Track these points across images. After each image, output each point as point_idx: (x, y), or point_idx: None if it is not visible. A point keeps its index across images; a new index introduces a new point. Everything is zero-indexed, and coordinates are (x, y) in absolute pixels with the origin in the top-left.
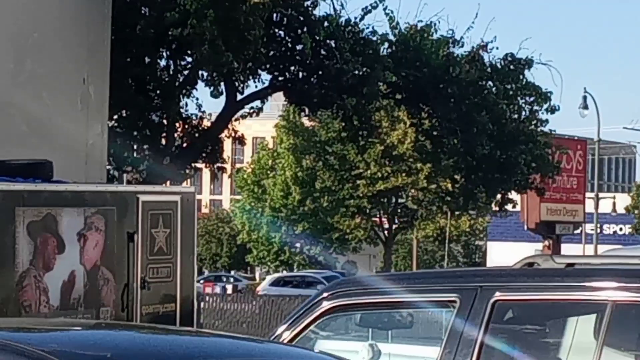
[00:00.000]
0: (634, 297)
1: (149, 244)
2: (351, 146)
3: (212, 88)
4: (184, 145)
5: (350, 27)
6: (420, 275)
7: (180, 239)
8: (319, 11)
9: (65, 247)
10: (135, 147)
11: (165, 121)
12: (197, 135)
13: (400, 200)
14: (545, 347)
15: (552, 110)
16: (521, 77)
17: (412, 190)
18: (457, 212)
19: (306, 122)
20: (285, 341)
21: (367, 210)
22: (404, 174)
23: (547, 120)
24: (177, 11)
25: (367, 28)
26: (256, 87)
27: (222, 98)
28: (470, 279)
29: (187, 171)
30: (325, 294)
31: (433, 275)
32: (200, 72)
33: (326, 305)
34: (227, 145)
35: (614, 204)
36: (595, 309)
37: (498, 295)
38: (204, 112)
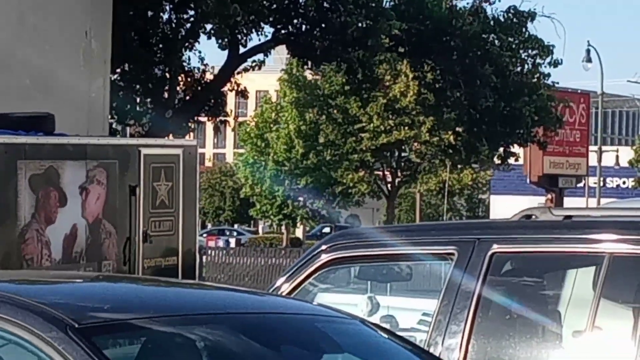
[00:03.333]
0: (632, 249)
1: (151, 198)
2: (354, 99)
3: (218, 40)
4: (187, 98)
5: None
6: (418, 227)
7: (182, 192)
8: None
9: (67, 201)
10: (137, 100)
11: (167, 75)
12: (199, 88)
13: (403, 154)
14: (544, 299)
15: (555, 63)
16: (524, 29)
17: (415, 144)
18: (459, 166)
19: (309, 75)
20: (284, 294)
21: (370, 164)
22: (406, 127)
23: (549, 74)
24: None
25: None
26: (259, 40)
27: (225, 52)
28: (467, 232)
29: (190, 125)
30: (323, 247)
31: (431, 227)
32: (203, 25)
33: (325, 257)
34: (231, 98)
35: (617, 157)
36: (593, 261)
37: (496, 248)
38: (206, 65)
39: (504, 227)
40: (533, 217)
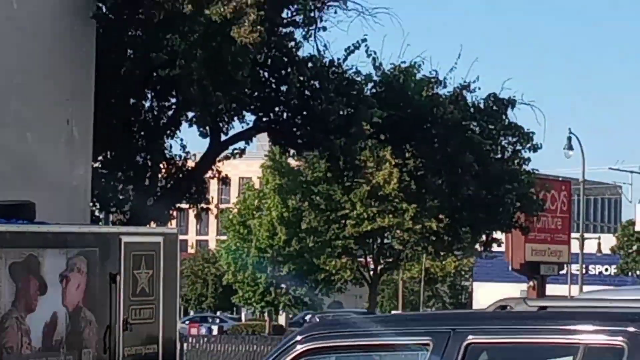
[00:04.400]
0: (607, 340)
1: (132, 285)
2: (337, 186)
3: (200, 128)
4: (169, 185)
5: (334, 68)
6: (394, 317)
7: (163, 280)
8: (303, 52)
9: (47, 289)
10: (119, 187)
11: (149, 162)
12: (181, 176)
13: (385, 241)
14: None
15: (535, 148)
16: (504, 117)
17: (398, 231)
18: (442, 253)
19: (292, 162)
20: None
21: (353, 251)
22: (390, 215)
23: (529, 159)
24: (164, 52)
25: (351, 69)
26: (241, 127)
27: (206, 139)
28: (443, 322)
29: (172, 212)
30: (299, 337)
31: (406, 318)
32: (185, 113)
33: (300, 348)
34: (214, 185)
35: (599, 244)
36: (568, 351)
37: (471, 339)
38: (188, 152)
39: (479, 317)
40: (508, 307)
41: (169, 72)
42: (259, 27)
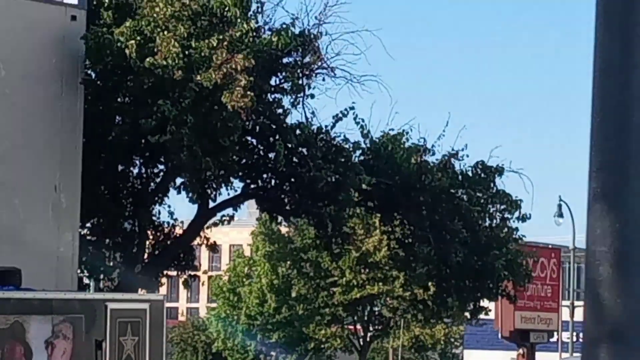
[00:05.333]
0: None
1: (117, 352)
2: (326, 253)
3: (189, 194)
4: (156, 252)
5: (322, 135)
6: None
7: (149, 346)
8: (291, 119)
9: (33, 355)
10: (107, 254)
11: (137, 229)
12: (169, 242)
13: (375, 308)
14: None
15: (523, 218)
16: (492, 184)
17: (387, 298)
18: (431, 320)
19: (283, 229)
20: None
21: (342, 318)
22: (380, 282)
23: (517, 228)
24: (154, 118)
25: (339, 136)
26: (228, 194)
27: (194, 206)
28: None
29: (160, 279)
30: None
31: None
32: (173, 180)
33: None
34: (204, 252)
35: None
36: None
37: None
38: (176, 219)
39: None
40: None
41: (159, 138)
42: (249, 92)
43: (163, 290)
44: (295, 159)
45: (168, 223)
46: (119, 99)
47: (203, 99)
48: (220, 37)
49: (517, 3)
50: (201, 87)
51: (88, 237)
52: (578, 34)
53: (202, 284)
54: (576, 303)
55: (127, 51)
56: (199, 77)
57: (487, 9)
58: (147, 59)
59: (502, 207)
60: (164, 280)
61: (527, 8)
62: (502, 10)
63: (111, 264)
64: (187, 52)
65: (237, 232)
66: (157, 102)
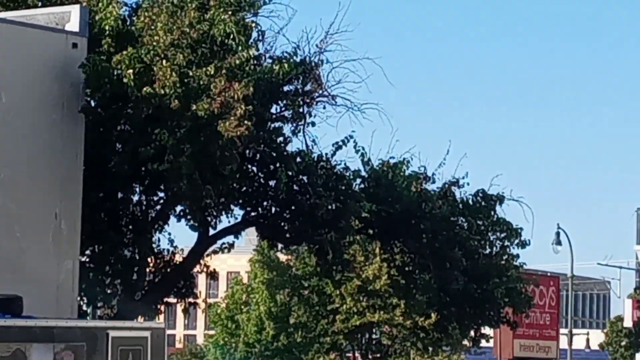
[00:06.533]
0: None
1: None
2: (329, 280)
3: (190, 221)
4: (156, 280)
5: (322, 163)
6: None
7: None
8: (292, 147)
9: None
10: (106, 282)
11: (137, 256)
12: (169, 270)
13: (374, 336)
14: None
15: (523, 245)
16: (492, 212)
17: (386, 326)
18: (430, 349)
19: (281, 256)
20: None
21: (342, 346)
22: (381, 310)
23: (517, 255)
24: (152, 146)
25: (340, 164)
26: (229, 222)
27: (194, 233)
28: None
29: (159, 307)
30: None
31: None
32: (173, 207)
33: None
34: (202, 279)
35: (588, 340)
36: None
37: None
38: (176, 247)
39: None
40: None
41: (158, 166)
42: (246, 121)
43: (161, 317)
44: (295, 187)
45: (168, 250)
46: (118, 127)
47: (200, 128)
48: (219, 64)
49: (518, 32)
50: (198, 116)
51: (88, 265)
52: (579, 54)
53: (203, 312)
54: (574, 331)
55: (125, 80)
56: (195, 106)
57: (487, 37)
58: (145, 88)
59: (503, 235)
60: (162, 307)
61: (530, 37)
62: (504, 40)
63: (110, 291)
64: (185, 81)
65: (235, 259)
66: (155, 130)
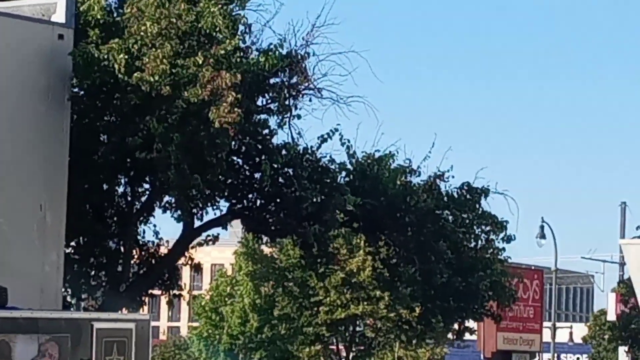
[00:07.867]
0: None
1: None
2: (312, 272)
3: (176, 212)
4: (141, 272)
5: (308, 156)
6: None
7: None
8: (277, 140)
9: None
10: (91, 273)
11: (122, 248)
12: (154, 262)
13: (358, 329)
14: None
15: (509, 239)
16: (477, 206)
17: (370, 319)
18: (414, 342)
19: (266, 249)
20: None
21: (325, 338)
22: (365, 302)
23: (503, 249)
24: (140, 135)
25: (325, 157)
26: (214, 214)
27: (179, 225)
28: None
29: (144, 299)
30: None
31: None
32: (159, 198)
33: None
34: (186, 271)
35: (571, 333)
36: None
37: None
38: (161, 239)
39: None
40: None
41: (146, 155)
42: (236, 109)
43: (145, 309)
44: (280, 179)
45: (153, 242)
46: (105, 117)
47: (190, 116)
48: (206, 54)
49: (505, 27)
50: (188, 104)
51: (73, 256)
52: (573, 52)
53: (187, 304)
54: (558, 324)
55: (115, 66)
56: (186, 94)
57: (473, 31)
58: (135, 74)
59: (488, 228)
60: (146, 299)
61: (514, 32)
62: (489, 34)
63: (95, 283)
64: (174, 70)
65: (219, 251)
66: (144, 119)
